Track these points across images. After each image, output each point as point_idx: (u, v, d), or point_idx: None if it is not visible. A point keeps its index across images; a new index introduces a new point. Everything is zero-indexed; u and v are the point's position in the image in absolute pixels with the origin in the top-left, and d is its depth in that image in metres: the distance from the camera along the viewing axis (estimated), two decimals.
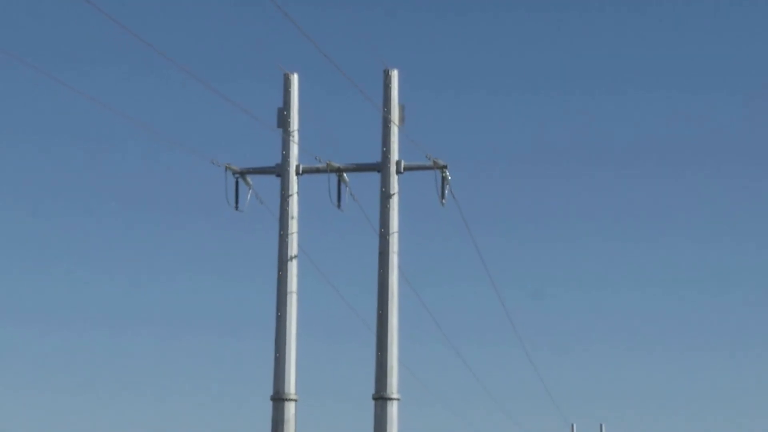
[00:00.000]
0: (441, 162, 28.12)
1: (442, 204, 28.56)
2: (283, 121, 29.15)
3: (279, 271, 29.06)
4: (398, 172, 28.40)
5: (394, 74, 28.42)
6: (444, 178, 28.39)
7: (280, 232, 29.27)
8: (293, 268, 29.01)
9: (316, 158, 29.13)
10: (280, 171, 29.40)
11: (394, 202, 28.42)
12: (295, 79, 29.00)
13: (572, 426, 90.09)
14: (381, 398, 28.47)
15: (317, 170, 29.46)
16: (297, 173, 29.26)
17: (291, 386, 29.08)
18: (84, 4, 18.91)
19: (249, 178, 29.54)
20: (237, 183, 29.31)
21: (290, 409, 29.25)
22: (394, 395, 28.10)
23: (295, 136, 29.25)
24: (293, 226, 29.30)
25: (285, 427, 29.06)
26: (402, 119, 28.58)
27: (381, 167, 28.62)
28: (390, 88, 28.47)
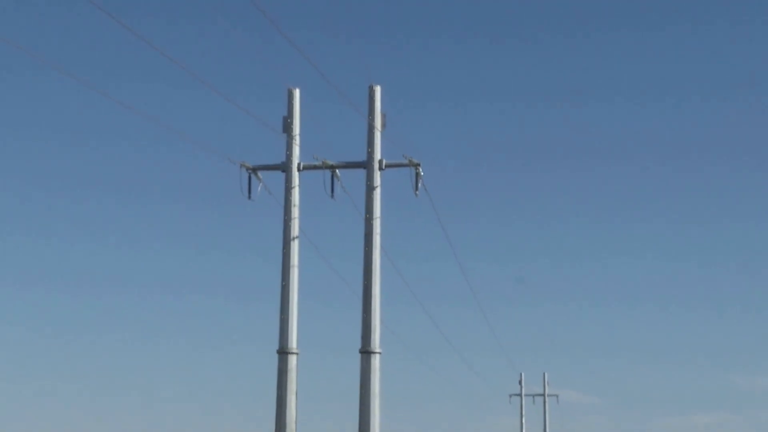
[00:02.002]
0: (415, 160, 31.94)
1: (416, 194, 32.23)
2: (287, 127, 32.62)
3: (283, 249, 32.22)
4: (380, 168, 31.79)
5: (377, 89, 32.01)
6: (417, 174, 32.13)
7: (284, 217, 32.43)
8: (295, 246, 32.28)
9: (314, 157, 32.33)
10: (284, 168, 32.65)
11: (377, 193, 31.85)
12: (296, 93, 32.47)
13: (521, 374, 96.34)
14: (366, 352, 31.74)
15: (315, 167, 32.65)
16: (298, 169, 32.44)
17: (293, 342, 32.25)
18: (135, 32, 23.75)
19: (259, 173, 32.32)
20: (249, 177, 32.16)
21: (292, 360, 32.36)
22: (377, 349, 31.30)
23: (296, 140, 32.61)
24: (295, 212, 32.48)
25: (288, 375, 32.25)
26: (383, 125, 32.33)
27: (366, 164, 32.00)
28: (374, 100, 32.02)
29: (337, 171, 32.66)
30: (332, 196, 32.41)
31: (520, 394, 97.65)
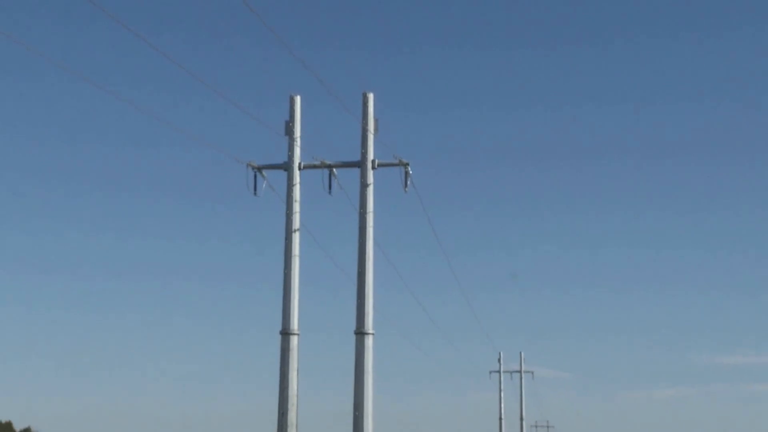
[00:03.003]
0: (404, 160, 33.42)
1: (405, 191, 33.80)
2: (289, 131, 34.01)
3: (286, 240, 33.67)
4: (373, 167, 33.29)
5: (371, 96, 33.49)
6: (406, 172, 33.54)
7: (286, 211, 33.84)
8: (296, 238, 33.72)
9: (313, 157, 33.80)
10: (286, 167, 34.03)
11: (370, 190, 33.34)
12: (298, 99, 33.87)
13: (499, 353, 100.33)
14: (360, 333, 33.30)
15: (314, 166, 34.05)
16: (299, 168, 33.76)
17: (294, 324, 33.73)
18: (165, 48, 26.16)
19: (264, 172, 33.64)
20: (255, 176, 33.61)
21: (294, 341, 33.81)
22: (370, 331, 32.81)
23: (297, 142, 34.09)
24: (296, 207, 33.84)
25: (290, 354, 33.39)
26: (376, 129, 33.71)
27: (360, 164, 33.49)
28: (367, 106, 33.25)
29: (334, 170, 33.95)
30: (330, 192, 33.75)
31: (498, 371, 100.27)
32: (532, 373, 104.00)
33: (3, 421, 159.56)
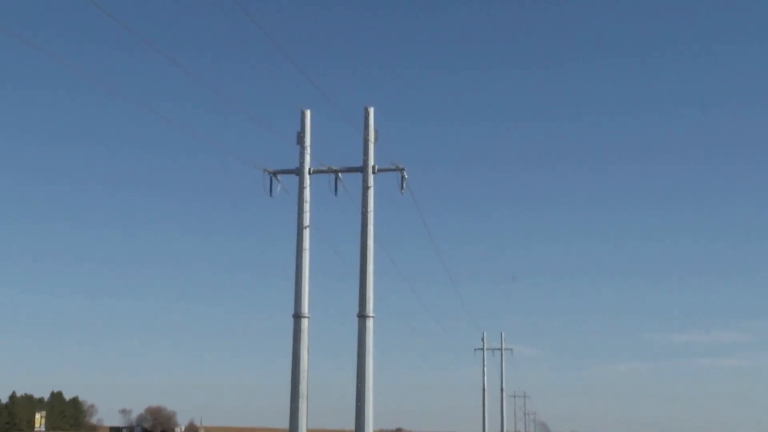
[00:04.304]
0: (401, 166, 35.60)
1: (401, 193, 35.89)
2: (300, 140, 36.16)
3: (297, 235, 35.93)
4: (373, 172, 35.84)
5: (371, 110, 35.86)
6: (403, 177, 35.73)
7: (298, 210, 35.79)
8: (306, 233, 36.09)
9: (321, 163, 35.84)
10: (298, 172, 35.98)
11: (371, 192, 35.92)
12: (308, 113, 36.16)
13: (483, 333, 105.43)
14: (362, 316, 35.66)
15: (322, 171, 36.03)
16: (309, 173, 35.99)
17: (305, 308, 35.91)
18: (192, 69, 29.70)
19: (278, 176, 36.33)
20: (270, 180, 36.11)
21: (305, 323, 36.19)
22: (371, 314, 35.33)
23: (308, 150, 36.62)
24: (306, 207, 35.76)
25: (301, 335, 35.96)
26: (376, 139, 35.82)
27: (362, 169, 36.11)
28: (368, 119, 35.82)
29: (339, 174, 36.19)
30: (336, 194, 36.01)
31: (482, 349, 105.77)
32: (512, 350, 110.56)
33: (67, 398, 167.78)
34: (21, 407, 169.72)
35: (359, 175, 36.72)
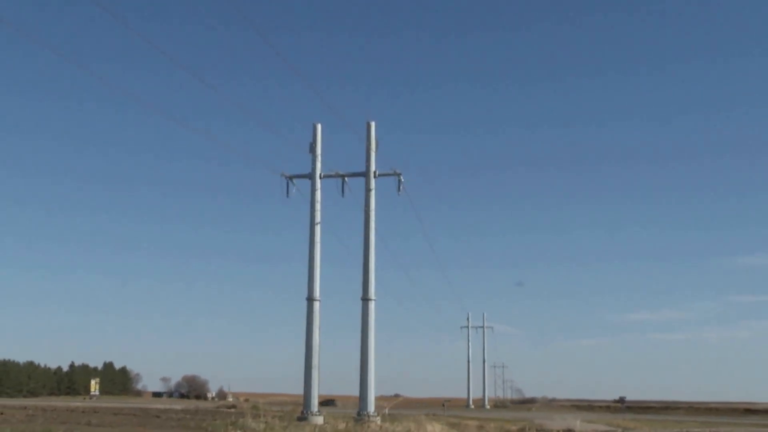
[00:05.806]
0: (398, 171, 37.93)
1: (399, 194, 38.65)
2: (312, 149, 39.78)
3: (310, 230, 39.73)
4: (375, 177, 39.48)
5: (372, 124, 39.08)
6: (400, 180, 38.90)
7: (310, 209, 39.76)
8: (318, 229, 39.67)
9: (330, 169, 40.18)
10: (310, 176, 39.86)
11: (373, 194, 39.36)
12: (319, 127, 39.67)
13: (468, 313, 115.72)
14: (365, 299, 39.08)
15: (331, 176, 39.97)
16: (320, 177, 39.90)
17: (317, 292, 39.63)
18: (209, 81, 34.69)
19: (294, 180, 39.66)
20: (287, 183, 39.36)
21: (317, 306, 39.84)
22: (373, 297, 38.25)
23: (319, 158, 40.32)
24: (318, 206, 39.97)
25: (313, 315, 39.59)
26: (377, 148, 38.49)
27: (365, 174, 39.74)
28: (370, 131, 39.20)
29: (345, 178, 39.79)
30: (342, 195, 39.89)
31: (467, 327, 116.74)
32: (492, 328, 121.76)
33: (117, 367, 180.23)
34: (79, 375, 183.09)
35: (363, 179, 39.86)
